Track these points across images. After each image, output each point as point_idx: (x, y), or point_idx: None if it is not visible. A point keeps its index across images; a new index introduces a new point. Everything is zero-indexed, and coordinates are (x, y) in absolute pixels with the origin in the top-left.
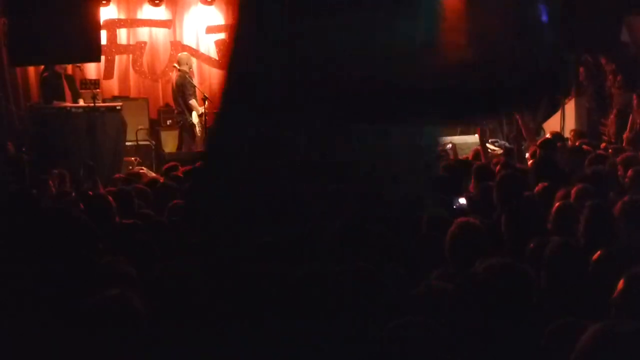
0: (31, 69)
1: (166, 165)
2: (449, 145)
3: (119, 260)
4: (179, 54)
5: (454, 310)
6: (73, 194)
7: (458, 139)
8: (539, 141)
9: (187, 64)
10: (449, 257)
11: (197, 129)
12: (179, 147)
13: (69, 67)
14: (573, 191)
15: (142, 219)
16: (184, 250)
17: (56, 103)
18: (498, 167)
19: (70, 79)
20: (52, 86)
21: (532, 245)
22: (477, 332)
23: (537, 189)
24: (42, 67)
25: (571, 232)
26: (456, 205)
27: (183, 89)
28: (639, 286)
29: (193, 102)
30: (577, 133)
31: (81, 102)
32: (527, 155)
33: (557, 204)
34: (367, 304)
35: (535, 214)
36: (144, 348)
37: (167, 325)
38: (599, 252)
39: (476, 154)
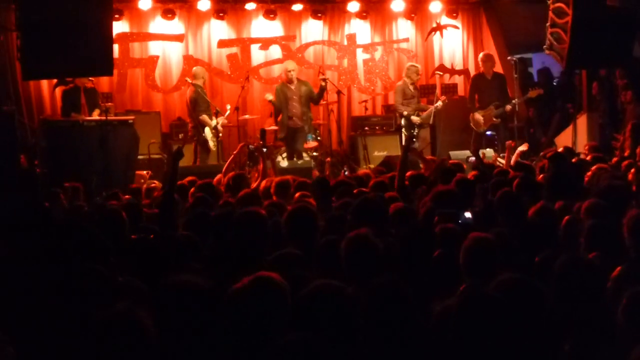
0: (44, 83)
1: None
2: (472, 158)
3: (130, 275)
4: (194, 68)
5: (461, 327)
6: (85, 208)
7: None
8: (549, 155)
9: (202, 78)
10: (465, 272)
11: (211, 143)
12: (195, 161)
13: (89, 82)
14: (584, 206)
15: (154, 233)
16: (196, 264)
17: (74, 116)
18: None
19: (93, 91)
20: (72, 100)
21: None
22: (487, 348)
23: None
24: (55, 80)
25: (578, 246)
26: (462, 220)
27: (195, 105)
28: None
29: (204, 117)
30: (591, 147)
31: (95, 115)
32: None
33: (565, 218)
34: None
35: (550, 228)
36: None
37: (177, 341)
38: (618, 269)
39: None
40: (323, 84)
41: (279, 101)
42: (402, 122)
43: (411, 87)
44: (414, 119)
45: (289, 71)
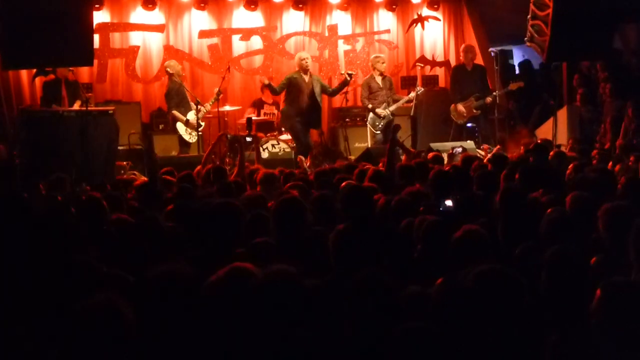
0: (23, 73)
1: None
2: (459, 149)
3: (111, 265)
4: (167, 62)
5: (439, 316)
6: (64, 198)
7: (450, 145)
8: (531, 147)
9: (176, 71)
10: (451, 263)
11: (186, 137)
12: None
13: (70, 74)
14: (568, 198)
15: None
16: (177, 254)
17: (55, 107)
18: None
19: (74, 84)
20: (53, 92)
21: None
22: (466, 338)
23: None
24: (34, 70)
25: (562, 239)
26: (443, 207)
27: (168, 99)
28: (615, 295)
29: (175, 113)
30: (574, 140)
31: (75, 106)
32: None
33: (548, 211)
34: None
35: (533, 220)
36: (131, 356)
37: (157, 331)
38: (594, 259)
39: (465, 160)
40: (348, 78)
41: (285, 89)
42: (369, 116)
43: (378, 80)
44: (379, 111)
45: (303, 59)
